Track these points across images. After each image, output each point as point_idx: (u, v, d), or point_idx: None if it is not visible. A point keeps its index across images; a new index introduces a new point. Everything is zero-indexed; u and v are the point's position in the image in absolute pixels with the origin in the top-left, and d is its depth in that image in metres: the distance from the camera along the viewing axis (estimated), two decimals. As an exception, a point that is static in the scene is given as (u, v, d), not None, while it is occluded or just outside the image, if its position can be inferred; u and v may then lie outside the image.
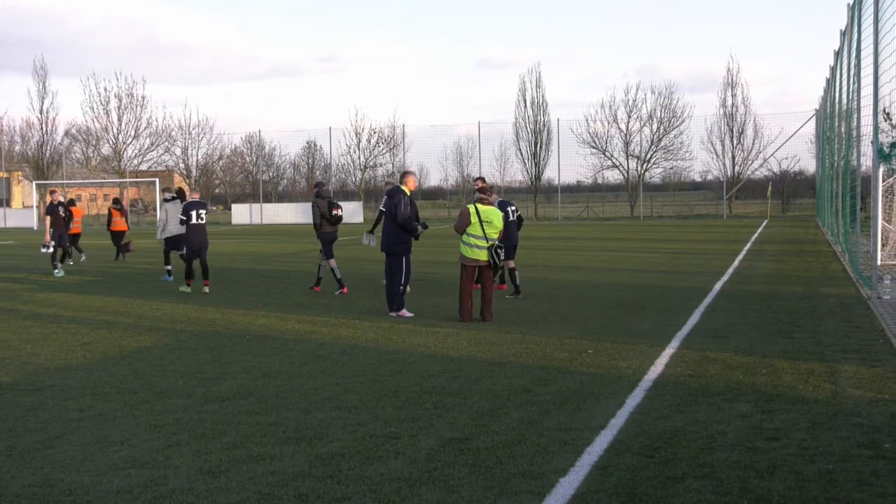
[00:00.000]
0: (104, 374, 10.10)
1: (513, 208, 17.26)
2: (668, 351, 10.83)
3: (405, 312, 14.33)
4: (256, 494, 5.89)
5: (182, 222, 18.59)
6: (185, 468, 6.48)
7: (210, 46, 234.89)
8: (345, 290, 17.90)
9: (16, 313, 15.53)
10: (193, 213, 18.46)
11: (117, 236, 28.55)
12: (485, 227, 13.60)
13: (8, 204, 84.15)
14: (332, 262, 18.25)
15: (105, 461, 6.69)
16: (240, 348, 11.65)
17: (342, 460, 6.59)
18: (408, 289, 14.64)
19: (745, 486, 5.89)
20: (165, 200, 21.13)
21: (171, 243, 20.83)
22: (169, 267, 21.26)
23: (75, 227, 27.30)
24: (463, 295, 13.78)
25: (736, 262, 23.52)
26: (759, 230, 41.03)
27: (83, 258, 27.58)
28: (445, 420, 7.75)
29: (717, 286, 17.78)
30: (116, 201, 30.31)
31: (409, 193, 14.76)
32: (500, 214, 13.76)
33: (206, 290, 18.26)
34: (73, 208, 26.88)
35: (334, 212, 18.32)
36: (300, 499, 5.80)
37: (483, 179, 17.43)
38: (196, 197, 19.36)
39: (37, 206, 25.14)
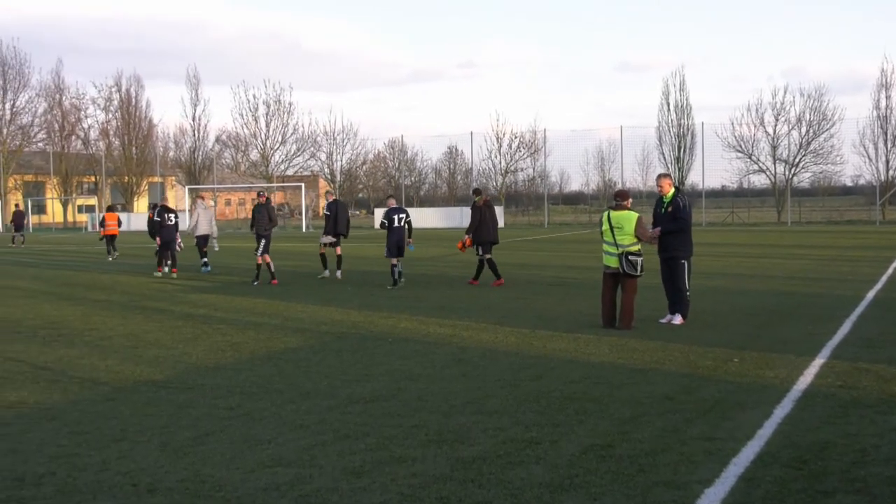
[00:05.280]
0: (252, 373, 10.38)
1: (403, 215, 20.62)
2: (818, 361, 10.50)
3: (678, 318, 13.76)
4: (398, 496, 5.96)
5: (155, 223, 24.84)
6: (330, 468, 6.60)
7: (353, 53, 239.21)
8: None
9: (169, 314, 16.12)
10: (166, 216, 24.80)
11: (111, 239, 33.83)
12: (615, 233, 13.39)
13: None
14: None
15: (253, 459, 6.87)
16: (382, 351, 11.81)
17: (483, 464, 6.61)
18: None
19: (901, 502, 5.67)
20: (197, 206, 27.07)
21: (202, 240, 26.25)
22: (205, 259, 26.09)
23: (110, 229, 33.72)
24: (602, 301, 13.67)
25: (889, 270, 22.62)
26: (915, 237, 39.41)
27: (112, 258, 32.63)
28: (587, 426, 7.69)
29: (870, 294, 17.15)
30: (110, 208, 36.80)
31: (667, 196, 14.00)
32: (633, 219, 13.40)
33: (175, 275, 24.04)
34: (106, 214, 34.53)
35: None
36: (441, 501, 5.84)
37: (478, 191, 21.54)
38: (168, 203, 25.98)
39: (189, 210, 27.58)
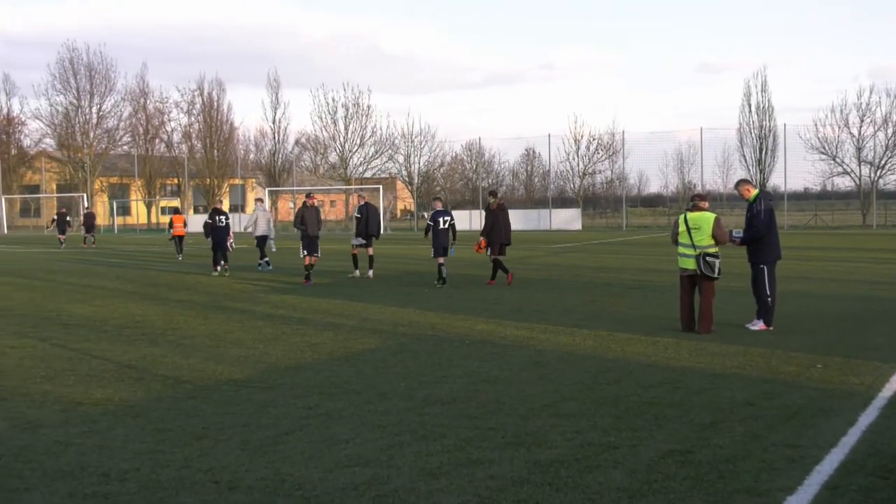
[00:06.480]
0: (330, 374, 10.47)
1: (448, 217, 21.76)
2: (905, 367, 10.25)
3: (759, 325, 13.49)
4: (476, 498, 5.96)
5: (207, 224, 26.39)
6: (408, 468, 6.63)
7: (431, 56, 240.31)
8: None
9: (250, 314, 16.34)
10: (217, 218, 26.35)
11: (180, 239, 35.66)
12: (693, 234, 13.20)
13: (243, 209, 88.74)
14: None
15: (332, 458, 6.94)
16: (460, 353, 11.82)
17: (560, 468, 6.58)
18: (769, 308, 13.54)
19: None
20: (257, 208, 28.99)
21: (261, 240, 27.75)
22: (266, 258, 27.62)
23: (178, 230, 35.32)
24: (680, 305, 13.53)
25: (980, 275, 22.01)
26: None
27: (181, 256, 34.29)
28: (666, 431, 7.62)
29: (960, 300, 16.69)
30: (176, 210, 38.88)
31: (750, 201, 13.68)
32: (711, 220, 13.21)
33: (220, 273, 25.57)
34: (174, 216, 36.23)
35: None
36: (519, 504, 5.84)
37: (493, 192, 22.87)
38: (221, 207, 28.39)
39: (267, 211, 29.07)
